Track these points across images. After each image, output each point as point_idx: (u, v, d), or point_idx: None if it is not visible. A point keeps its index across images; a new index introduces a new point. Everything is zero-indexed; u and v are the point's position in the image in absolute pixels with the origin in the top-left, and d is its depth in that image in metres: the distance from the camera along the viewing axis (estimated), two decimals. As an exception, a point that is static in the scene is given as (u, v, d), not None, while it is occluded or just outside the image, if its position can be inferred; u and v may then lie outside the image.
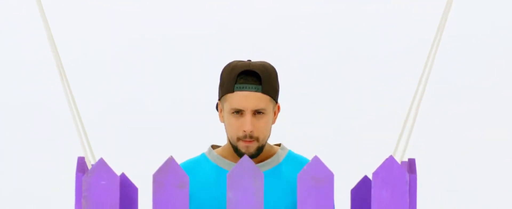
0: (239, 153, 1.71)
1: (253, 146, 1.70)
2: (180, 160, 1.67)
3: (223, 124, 1.75)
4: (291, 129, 2.74)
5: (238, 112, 1.68)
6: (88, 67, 4.03)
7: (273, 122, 1.75)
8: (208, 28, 4.08)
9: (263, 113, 1.69)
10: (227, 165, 1.73)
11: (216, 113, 1.79)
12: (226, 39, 4.03)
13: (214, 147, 1.81)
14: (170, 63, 4.07)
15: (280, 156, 1.77)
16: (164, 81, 4.07)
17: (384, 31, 4.14)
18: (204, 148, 1.84)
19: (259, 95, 1.69)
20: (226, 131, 1.74)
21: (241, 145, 1.70)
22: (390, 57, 4.10)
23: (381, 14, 4.14)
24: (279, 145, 1.81)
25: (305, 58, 4.08)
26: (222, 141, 1.83)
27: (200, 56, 4.03)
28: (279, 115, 1.78)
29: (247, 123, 1.68)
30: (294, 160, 1.80)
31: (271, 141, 1.82)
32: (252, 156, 1.69)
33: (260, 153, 1.73)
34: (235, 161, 1.73)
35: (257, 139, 1.70)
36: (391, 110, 3.77)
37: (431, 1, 4.03)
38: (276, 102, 1.73)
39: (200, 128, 3.08)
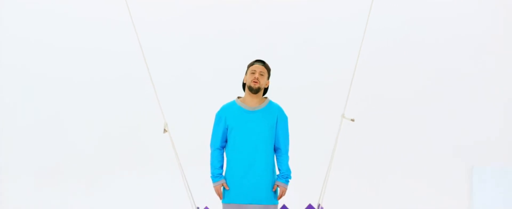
0: (251, 89, 3.44)
1: (257, 85, 3.47)
2: (224, 102, 3.62)
3: (245, 83, 3.53)
4: (274, 94, 4.14)
5: (253, 72, 3.50)
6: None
7: (266, 86, 3.55)
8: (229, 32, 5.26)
9: (262, 74, 3.52)
10: (245, 106, 3.53)
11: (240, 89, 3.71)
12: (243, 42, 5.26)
13: (239, 97, 3.61)
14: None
15: (267, 102, 3.57)
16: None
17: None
18: (234, 97, 3.67)
19: (262, 67, 3.54)
20: (246, 82, 3.48)
21: (252, 84, 3.47)
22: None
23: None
24: (266, 97, 3.63)
25: (292, 55, 5.34)
26: (242, 94, 3.70)
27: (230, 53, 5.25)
28: (271, 90, 3.66)
29: (256, 75, 3.48)
30: (273, 105, 3.58)
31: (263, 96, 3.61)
32: (256, 91, 3.46)
33: (259, 91, 3.46)
34: (249, 104, 3.50)
35: (259, 82, 3.48)
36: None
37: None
38: (268, 78, 3.57)
39: (233, 90, 4.37)
